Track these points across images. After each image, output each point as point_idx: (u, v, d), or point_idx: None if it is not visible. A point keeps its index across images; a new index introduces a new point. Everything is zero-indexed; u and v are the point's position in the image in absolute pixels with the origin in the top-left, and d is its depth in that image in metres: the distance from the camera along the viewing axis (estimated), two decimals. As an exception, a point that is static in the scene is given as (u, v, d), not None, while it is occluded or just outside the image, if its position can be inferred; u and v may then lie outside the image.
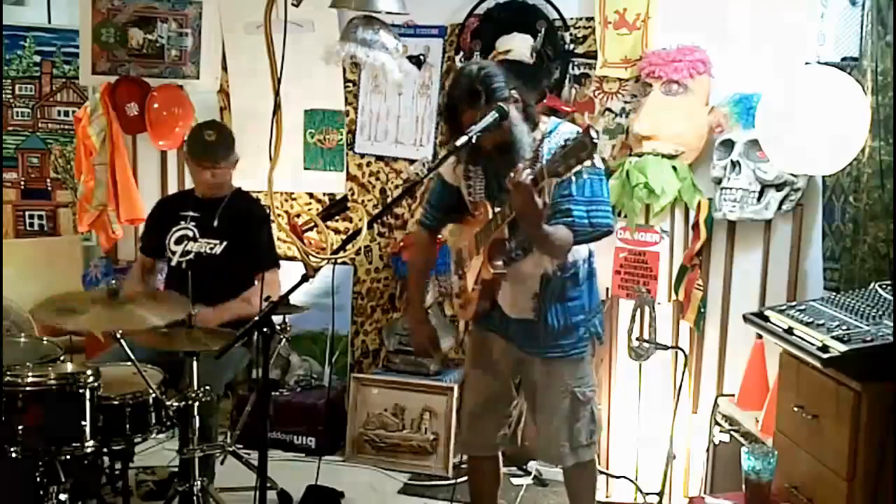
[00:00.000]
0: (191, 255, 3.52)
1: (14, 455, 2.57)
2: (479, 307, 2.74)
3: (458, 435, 3.04)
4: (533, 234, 2.48)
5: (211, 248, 3.51)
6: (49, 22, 4.58)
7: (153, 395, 2.80)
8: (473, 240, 2.70)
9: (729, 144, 3.46)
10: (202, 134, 3.54)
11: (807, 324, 2.50)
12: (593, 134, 2.21)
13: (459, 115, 2.55)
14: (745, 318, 2.85)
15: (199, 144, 3.53)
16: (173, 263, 3.56)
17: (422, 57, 4.08)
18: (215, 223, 3.52)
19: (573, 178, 2.49)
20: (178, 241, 3.54)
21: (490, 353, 2.88)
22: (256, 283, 3.43)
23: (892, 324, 2.32)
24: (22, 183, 4.62)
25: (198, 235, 3.53)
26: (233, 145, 3.58)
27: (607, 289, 3.67)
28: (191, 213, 3.57)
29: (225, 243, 3.50)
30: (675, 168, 3.53)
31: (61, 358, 2.99)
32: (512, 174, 2.31)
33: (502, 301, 2.74)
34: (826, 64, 3.13)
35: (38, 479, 2.64)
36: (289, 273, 3.60)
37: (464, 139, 2.52)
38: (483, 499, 3.08)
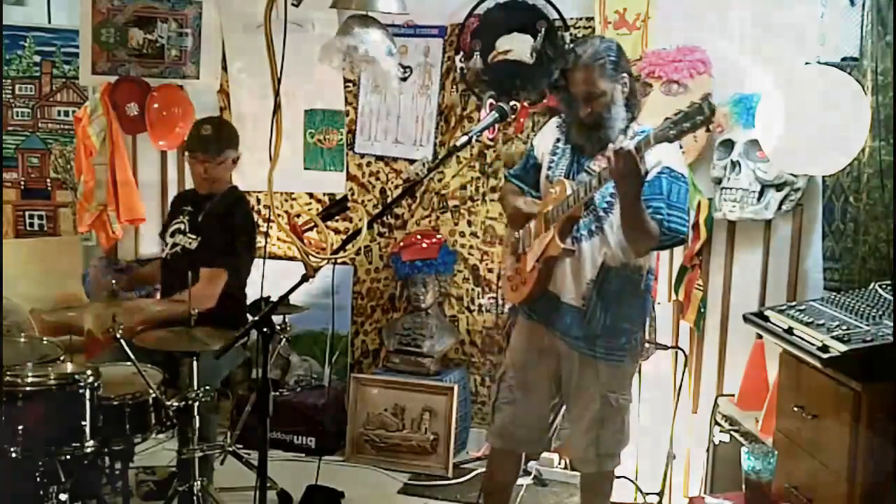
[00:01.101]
0: (176, 249, 3.48)
1: (14, 455, 2.57)
2: (535, 289, 2.69)
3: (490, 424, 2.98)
4: (628, 206, 2.41)
5: (189, 244, 3.46)
6: (49, 22, 4.57)
7: (153, 395, 2.80)
8: (541, 218, 2.64)
9: (729, 144, 3.46)
10: (199, 128, 3.53)
11: (807, 324, 2.50)
12: (713, 102, 2.16)
13: (569, 80, 2.60)
14: (745, 318, 2.85)
15: (194, 137, 3.52)
16: (163, 255, 3.55)
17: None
18: (199, 218, 3.47)
19: (663, 178, 2.49)
20: (172, 234, 3.53)
21: (533, 342, 2.81)
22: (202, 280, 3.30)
23: (892, 324, 2.33)
24: (22, 183, 4.62)
25: (186, 230, 3.50)
26: (231, 142, 3.52)
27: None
28: (187, 208, 3.55)
29: (200, 239, 3.44)
30: (675, 168, 3.53)
31: (61, 358, 2.99)
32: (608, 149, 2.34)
33: (555, 284, 2.68)
34: (826, 64, 3.13)
35: (38, 479, 2.64)
36: (289, 273, 3.58)
37: (464, 139, 2.53)
38: (495, 495, 2.99)
